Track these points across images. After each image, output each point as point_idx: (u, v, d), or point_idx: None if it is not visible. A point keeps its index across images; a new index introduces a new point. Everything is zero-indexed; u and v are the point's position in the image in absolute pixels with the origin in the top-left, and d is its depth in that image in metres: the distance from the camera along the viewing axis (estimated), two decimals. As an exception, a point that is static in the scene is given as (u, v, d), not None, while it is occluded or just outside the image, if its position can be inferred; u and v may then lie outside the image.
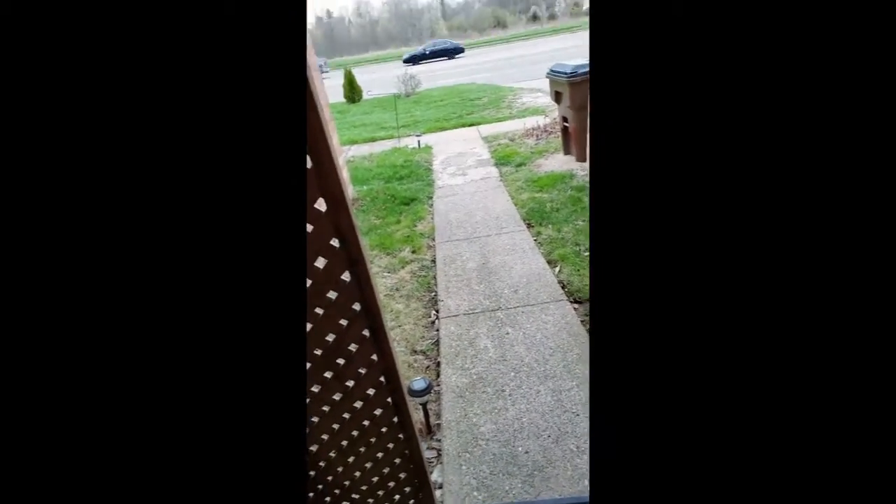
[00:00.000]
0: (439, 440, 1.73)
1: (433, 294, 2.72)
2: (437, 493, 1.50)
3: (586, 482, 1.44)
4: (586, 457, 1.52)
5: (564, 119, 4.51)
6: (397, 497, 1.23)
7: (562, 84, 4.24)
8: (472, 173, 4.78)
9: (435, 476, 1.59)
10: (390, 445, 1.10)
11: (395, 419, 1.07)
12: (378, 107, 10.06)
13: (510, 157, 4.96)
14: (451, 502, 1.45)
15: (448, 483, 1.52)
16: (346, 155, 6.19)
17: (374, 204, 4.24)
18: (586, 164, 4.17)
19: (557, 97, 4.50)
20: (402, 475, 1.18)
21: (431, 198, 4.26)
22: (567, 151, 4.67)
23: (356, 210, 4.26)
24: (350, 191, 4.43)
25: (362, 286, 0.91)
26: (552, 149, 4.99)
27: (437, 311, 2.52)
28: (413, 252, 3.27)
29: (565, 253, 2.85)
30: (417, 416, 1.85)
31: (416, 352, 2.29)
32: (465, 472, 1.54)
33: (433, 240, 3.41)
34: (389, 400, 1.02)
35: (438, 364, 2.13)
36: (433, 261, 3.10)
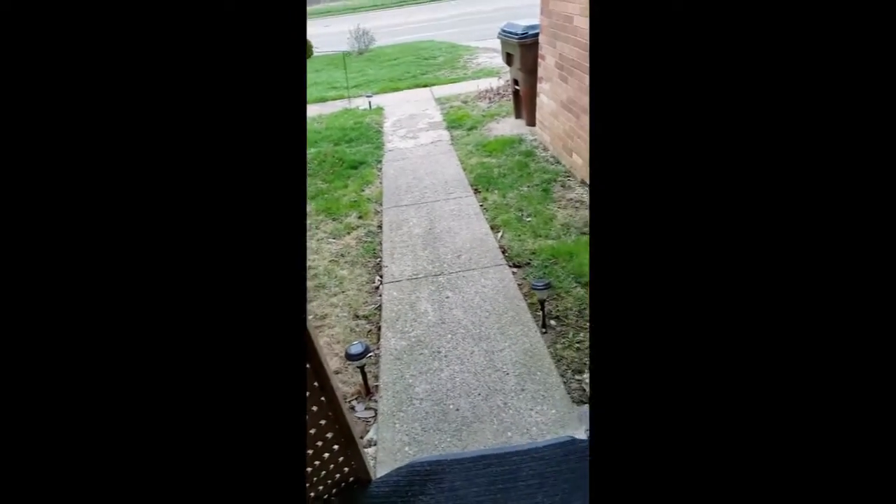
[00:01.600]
0: (376, 401, 1.79)
1: (378, 260, 2.71)
2: (372, 449, 1.57)
3: (510, 434, 1.56)
4: (512, 412, 1.64)
5: (515, 82, 4.46)
6: (326, 455, 1.27)
7: (513, 45, 4.15)
8: (423, 136, 4.67)
9: (371, 434, 1.66)
10: (314, 408, 1.12)
11: (315, 384, 1.08)
12: (329, 64, 9.42)
13: (462, 121, 4.87)
14: (383, 457, 1.52)
15: (382, 440, 1.59)
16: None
17: (322, 167, 4.07)
18: (535, 129, 4.20)
19: (509, 59, 4.42)
20: (329, 434, 1.21)
21: (381, 161, 4.15)
22: (518, 115, 4.65)
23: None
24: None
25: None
26: (504, 112, 4.95)
27: (381, 277, 2.53)
28: (360, 217, 3.21)
29: (508, 219, 2.91)
30: (357, 378, 1.89)
31: (358, 317, 2.30)
32: (399, 430, 1.61)
33: (380, 205, 3.35)
34: (308, 366, 1.03)
35: (379, 328, 2.16)
36: (379, 226, 3.07)
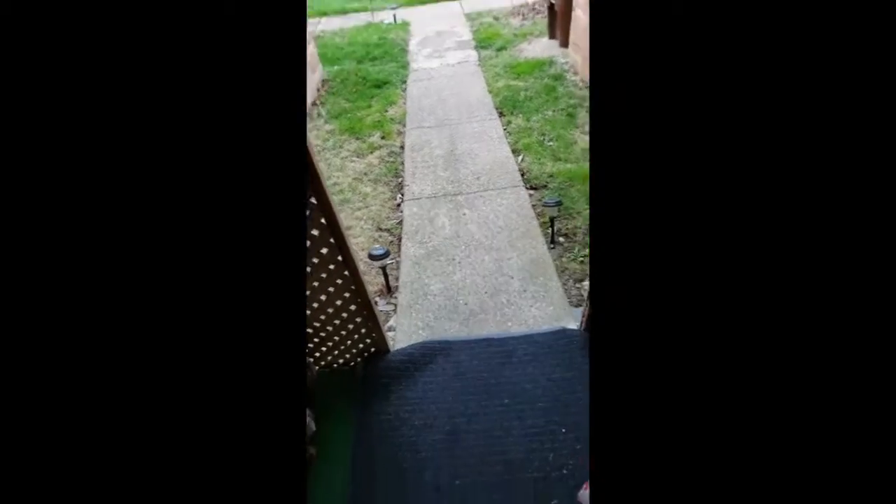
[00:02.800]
0: (396, 297, 2.03)
1: (400, 179, 2.84)
2: (391, 333, 1.84)
3: (510, 324, 1.78)
4: (513, 308, 1.85)
5: (551, -4, 4.13)
6: (350, 326, 1.53)
7: (552, -50, 3.79)
8: (450, 56, 4.51)
9: (391, 322, 1.92)
10: (339, 281, 1.34)
11: (346, 272, 1.29)
12: (353, -28, 8.75)
13: (492, 40, 4.63)
14: (401, 338, 1.79)
15: (400, 326, 1.85)
16: (316, 29, 5.64)
17: (345, 86, 4.06)
18: (568, 50, 3.98)
19: (546, -33, 4.05)
20: (353, 307, 1.45)
21: (405, 82, 4.09)
22: (552, 35, 4.37)
23: (326, 93, 4.09)
24: (319, 71, 4.18)
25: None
26: (537, 31, 4.65)
27: (403, 195, 2.68)
28: (383, 138, 3.29)
29: (530, 143, 2.93)
30: (379, 280, 2.13)
31: (381, 229, 2.50)
32: (415, 318, 1.87)
33: (404, 125, 3.39)
34: (332, 240, 1.22)
35: (400, 239, 2.36)
36: (402, 147, 3.15)
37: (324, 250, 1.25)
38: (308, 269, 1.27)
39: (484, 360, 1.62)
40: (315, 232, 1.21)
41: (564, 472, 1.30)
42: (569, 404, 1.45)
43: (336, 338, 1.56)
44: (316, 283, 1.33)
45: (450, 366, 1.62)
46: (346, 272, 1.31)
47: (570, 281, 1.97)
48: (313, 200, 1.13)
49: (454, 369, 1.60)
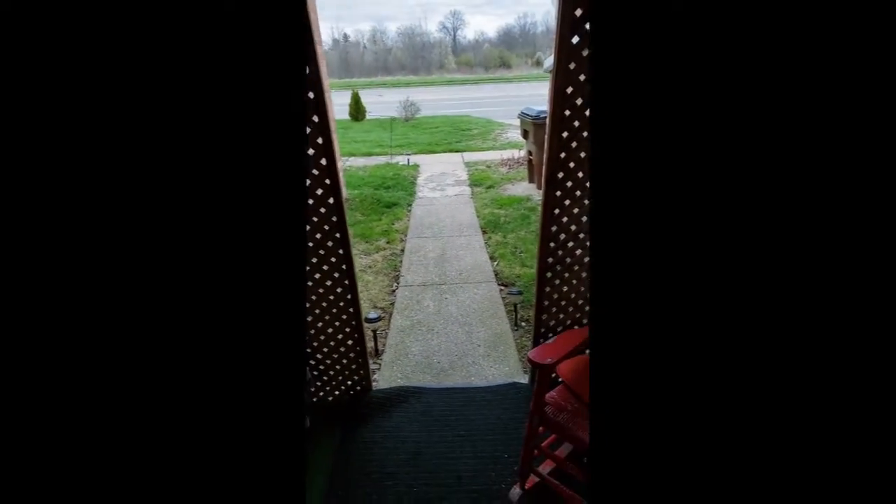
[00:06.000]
0: (381, 358, 2.44)
1: (397, 273, 3.46)
2: (375, 383, 2.21)
3: (473, 379, 2.17)
4: (477, 367, 2.25)
5: (530, 153, 5.41)
6: (345, 361, 1.95)
7: (528, 124, 5.17)
8: (449, 190, 5.62)
9: (375, 377, 2.30)
10: (344, 316, 1.83)
11: (349, 297, 1.81)
12: (378, 127, 10.99)
13: (483, 181, 5.82)
14: (382, 384, 2.16)
15: (382, 376, 2.23)
16: (345, 164, 7.01)
17: (362, 205, 5.02)
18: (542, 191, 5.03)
19: (525, 134, 5.43)
20: (350, 342, 1.90)
21: (411, 205, 5.06)
22: (530, 180, 5.55)
23: (347, 208, 5.02)
24: (343, 191, 5.20)
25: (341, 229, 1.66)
26: (519, 177, 5.88)
27: (398, 283, 3.26)
28: (387, 243, 4.03)
29: (504, 252, 3.64)
30: (370, 344, 2.55)
31: (376, 307, 3.01)
32: (395, 371, 2.25)
33: (405, 235, 4.18)
34: (347, 282, 1.76)
35: (391, 315, 2.85)
36: (402, 250, 3.86)
37: (339, 290, 1.78)
38: (326, 317, 1.78)
39: (448, 402, 1.98)
40: (336, 274, 1.76)
41: (503, 486, 1.57)
42: (513, 437, 1.77)
43: (331, 371, 1.95)
44: (326, 327, 1.82)
45: (420, 405, 1.97)
46: (352, 308, 1.81)
47: (525, 352, 2.40)
48: (338, 235, 1.70)
49: (423, 407, 1.95)
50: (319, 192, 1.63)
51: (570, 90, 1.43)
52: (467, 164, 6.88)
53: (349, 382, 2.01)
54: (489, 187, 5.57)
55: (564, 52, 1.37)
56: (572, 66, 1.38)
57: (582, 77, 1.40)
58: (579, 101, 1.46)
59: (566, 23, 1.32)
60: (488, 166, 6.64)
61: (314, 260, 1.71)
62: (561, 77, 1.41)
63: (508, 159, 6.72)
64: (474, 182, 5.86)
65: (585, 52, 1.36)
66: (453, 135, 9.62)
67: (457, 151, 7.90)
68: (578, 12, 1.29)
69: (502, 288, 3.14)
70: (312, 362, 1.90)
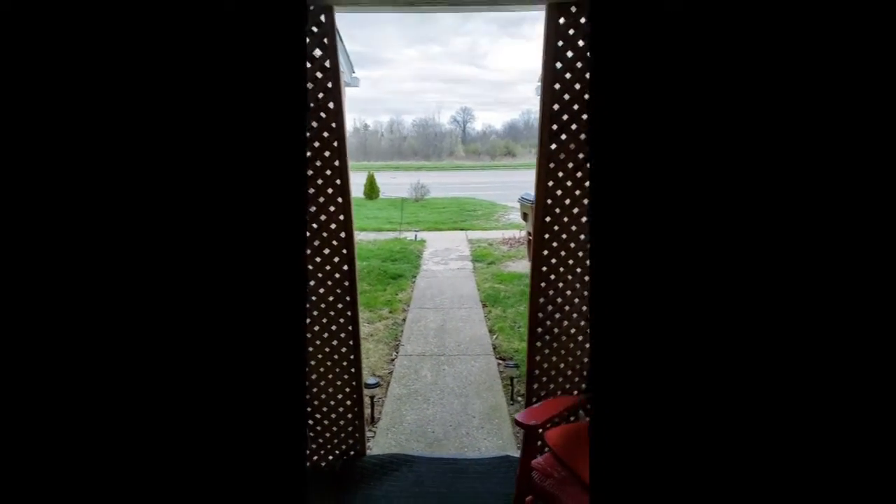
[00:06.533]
0: (377, 426, 2.45)
1: (398, 342, 3.56)
2: (369, 449, 2.21)
3: (466, 450, 2.17)
4: (470, 438, 2.26)
5: (529, 234, 5.77)
6: (342, 422, 2.00)
7: (528, 208, 5.59)
8: (452, 264, 5.89)
9: (370, 444, 2.30)
10: (346, 376, 1.93)
11: (352, 357, 1.93)
12: (390, 205, 11.73)
13: (485, 257, 6.12)
14: (376, 450, 2.16)
15: (377, 443, 2.24)
16: (357, 238, 7.42)
17: (369, 276, 5.26)
18: (540, 269, 5.27)
19: (524, 217, 5.83)
20: (348, 403, 1.97)
21: (415, 277, 5.29)
22: (530, 259, 5.82)
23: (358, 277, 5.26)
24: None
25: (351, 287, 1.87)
26: (520, 255, 6.17)
27: (398, 353, 3.34)
28: (390, 312, 4.18)
29: (503, 326, 3.75)
30: (367, 411, 2.58)
31: (375, 375, 3.06)
32: (390, 438, 2.27)
33: (408, 306, 4.33)
34: (352, 343, 1.90)
35: (389, 384, 2.90)
36: (404, 320, 3.99)
37: (343, 350, 1.91)
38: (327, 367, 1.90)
39: (440, 473, 1.98)
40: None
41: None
42: (504, 512, 1.75)
43: (327, 434, 2.00)
44: (327, 386, 1.92)
45: (412, 475, 1.97)
46: (353, 369, 1.93)
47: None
48: (348, 299, 1.87)
49: (415, 478, 1.95)
50: (336, 259, 1.84)
51: (550, 184, 1.72)
52: (471, 241, 7.25)
53: (343, 447, 2.03)
54: (490, 263, 5.83)
55: (545, 146, 1.69)
56: (553, 145, 1.69)
57: (562, 155, 1.70)
58: (559, 192, 1.73)
59: (546, 117, 1.66)
60: (490, 244, 6.99)
61: (324, 320, 1.87)
62: (543, 167, 1.71)
63: (510, 238, 7.09)
64: (476, 258, 6.14)
65: (563, 137, 1.68)
66: (459, 214, 10.21)
67: (461, 230, 8.35)
68: (556, 106, 1.63)
69: (500, 361, 3.20)
70: (311, 422, 1.96)
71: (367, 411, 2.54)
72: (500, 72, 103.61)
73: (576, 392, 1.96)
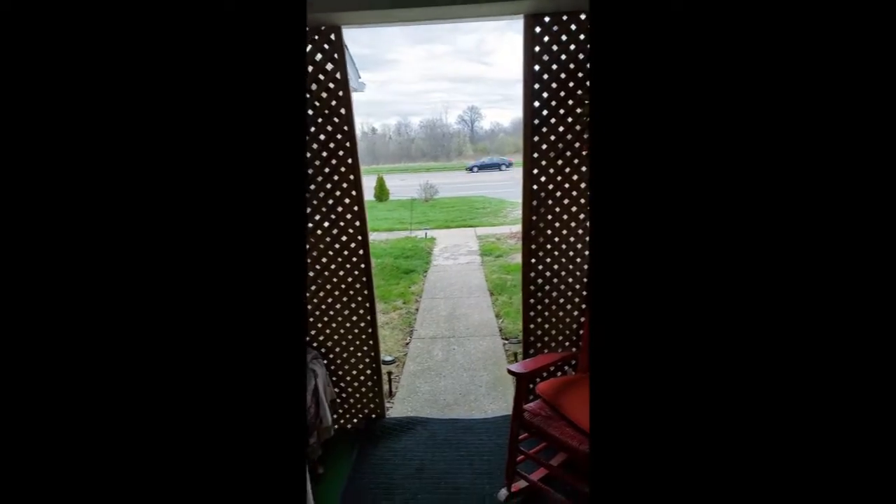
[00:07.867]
0: (394, 399, 2.74)
1: (411, 328, 3.85)
2: (388, 414, 2.50)
3: (473, 412, 2.44)
4: (478, 403, 2.53)
5: (534, 226, 6.00)
6: (364, 389, 2.29)
7: (531, 201, 5.83)
8: (461, 259, 6.16)
9: (389, 413, 2.59)
10: (365, 349, 2.23)
11: (370, 330, 2.22)
12: (401, 206, 12.06)
13: (492, 251, 6.37)
14: (394, 415, 2.45)
15: (395, 411, 2.53)
16: (369, 238, 7.76)
17: (382, 272, 5.57)
18: (545, 259, 5.49)
19: (529, 210, 6.07)
20: (368, 372, 2.26)
21: (426, 271, 5.58)
22: (536, 250, 6.05)
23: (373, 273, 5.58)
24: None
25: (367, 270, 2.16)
26: (526, 248, 6.41)
27: (411, 336, 3.63)
28: (404, 303, 4.47)
29: (509, 311, 4.00)
30: (385, 386, 2.87)
31: (391, 355, 3.36)
32: (406, 406, 2.55)
33: (420, 297, 4.62)
34: (370, 330, 2.19)
35: (404, 362, 3.19)
36: (416, 309, 4.28)
37: (363, 336, 2.21)
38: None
39: (451, 430, 2.25)
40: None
41: (495, 494, 1.81)
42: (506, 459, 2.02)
43: (351, 400, 2.29)
44: (351, 363, 2.22)
45: (426, 431, 2.24)
46: (373, 347, 2.22)
47: (523, 393, 2.67)
48: (366, 292, 2.17)
49: (429, 433, 2.23)
50: (354, 259, 2.14)
51: (535, 171, 1.99)
52: (479, 237, 7.50)
53: (366, 411, 2.32)
54: (498, 256, 6.08)
55: (529, 143, 1.95)
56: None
57: (544, 145, 1.96)
58: (542, 179, 2.00)
59: (529, 117, 1.93)
60: (498, 239, 7.24)
61: (346, 312, 2.17)
62: (528, 157, 1.98)
63: (517, 233, 7.32)
64: (485, 252, 6.40)
65: (544, 129, 1.94)
66: (468, 212, 10.48)
67: (470, 227, 8.61)
68: (537, 103, 1.90)
69: (505, 341, 3.46)
70: (337, 390, 2.26)
71: (385, 386, 2.84)
72: (508, 69, 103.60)
73: (560, 350, 2.22)
